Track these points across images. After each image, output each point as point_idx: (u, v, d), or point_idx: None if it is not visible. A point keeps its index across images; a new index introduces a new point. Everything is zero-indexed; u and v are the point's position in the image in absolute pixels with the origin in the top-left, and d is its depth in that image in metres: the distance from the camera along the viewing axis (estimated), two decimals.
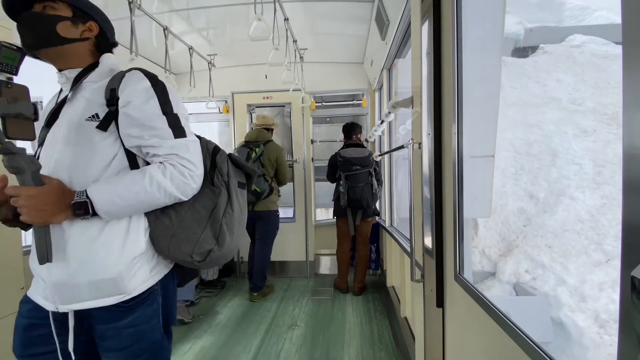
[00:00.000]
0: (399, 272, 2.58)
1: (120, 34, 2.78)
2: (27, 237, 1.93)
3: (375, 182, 3.04)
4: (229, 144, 3.87)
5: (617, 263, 1.75)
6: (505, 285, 2.99)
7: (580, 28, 8.25)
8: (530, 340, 0.67)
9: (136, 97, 0.87)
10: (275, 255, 3.45)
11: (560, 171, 4.05)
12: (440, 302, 1.24)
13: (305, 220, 3.80)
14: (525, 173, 4.18)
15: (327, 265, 3.93)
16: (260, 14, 1.83)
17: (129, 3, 2.13)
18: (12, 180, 0.84)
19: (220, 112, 3.90)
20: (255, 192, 2.92)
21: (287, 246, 3.70)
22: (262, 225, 3.14)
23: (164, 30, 2.59)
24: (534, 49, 7.64)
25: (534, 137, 4.63)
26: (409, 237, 1.63)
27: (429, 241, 1.34)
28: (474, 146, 1.15)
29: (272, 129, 3.24)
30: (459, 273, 1.08)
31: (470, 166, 1.14)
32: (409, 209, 1.55)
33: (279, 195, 3.23)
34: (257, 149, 2.95)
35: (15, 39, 1.84)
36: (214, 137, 4.47)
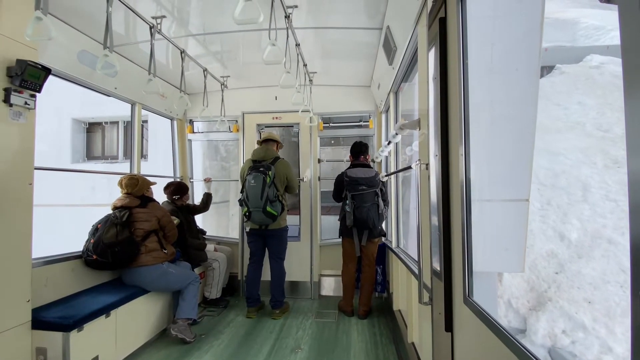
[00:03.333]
0: (405, 295, 2.52)
1: (141, 56, 2.94)
2: (36, 250, 1.95)
3: (381, 203, 3.04)
4: (238, 161, 3.94)
5: None
6: (539, 350, 2.59)
7: (597, 48, 7.91)
8: None
9: None
10: None
11: (594, 208, 3.55)
12: (449, 327, 1.21)
13: (311, 239, 3.78)
14: (553, 209, 3.69)
15: (331, 286, 3.86)
16: (274, 39, 1.92)
17: (150, 28, 2.25)
18: None
19: (231, 131, 3.99)
20: (272, 215, 2.95)
21: (291, 266, 3.66)
22: (275, 243, 3.17)
23: (181, 53, 2.72)
24: (549, 69, 7.40)
25: (560, 167, 4.13)
26: (416, 258, 1.61)
27: (437, 263, 1.32)
28: (504, 187, 1.03)
29: (277, 142, 3.28)
30: (468, 296, 1.06)
31: (499, 211, 1.02)
32: (417, 230, 1.54)
33: (288, 210, 3.27)
34: (270, 172, 2.96)
35: (41, 59, 1.95)
36: (221, 154, 4.55)
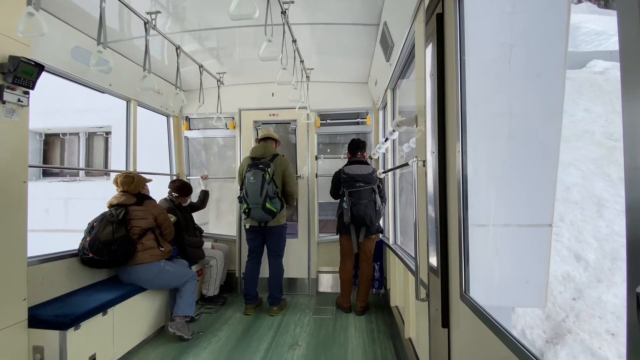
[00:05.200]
0: (402, 291, 2.54)
1: (135, 52, 2.91)
2: (31, 248, 1.94)
3: (378, 199, 3.04)
4: (234, 159, 3.92)
5: None
6: None
7: (600, 53, 7.87)
8: None
9: None
10: None
11: (611, 225, 3.22)
12: (445, 323, 1.22)
13: (308, 236, 3.78)
14: (566, 226, 3.36)
15: (329, 283, 3.87)
16: (270, 35, 1.90)
17: (145, 23, 2.22)
18: None
19: (227, 128, 3.97)
20: (272, 212, 2.96)
21: (289, 263, 3.66)
22: (274, 240, 3.18)
23: (176, 49, 2.69)
24: None
25: (572, 180, 3.81)
26: (413, 255, 1.62)
27: (433, 259, 1.33)
28: (524, 211, 0.92)
29: (276, 140, 3.29)
30: (465, 292, 1.07)
31: (517, 238, 0.91)
32: (414, 226, 1.55)
33: (287, 207, 3.27)
34: (269, 170, 2.96)
35: (34, 55, 1.92)
36: (219, 152, 4.53)
